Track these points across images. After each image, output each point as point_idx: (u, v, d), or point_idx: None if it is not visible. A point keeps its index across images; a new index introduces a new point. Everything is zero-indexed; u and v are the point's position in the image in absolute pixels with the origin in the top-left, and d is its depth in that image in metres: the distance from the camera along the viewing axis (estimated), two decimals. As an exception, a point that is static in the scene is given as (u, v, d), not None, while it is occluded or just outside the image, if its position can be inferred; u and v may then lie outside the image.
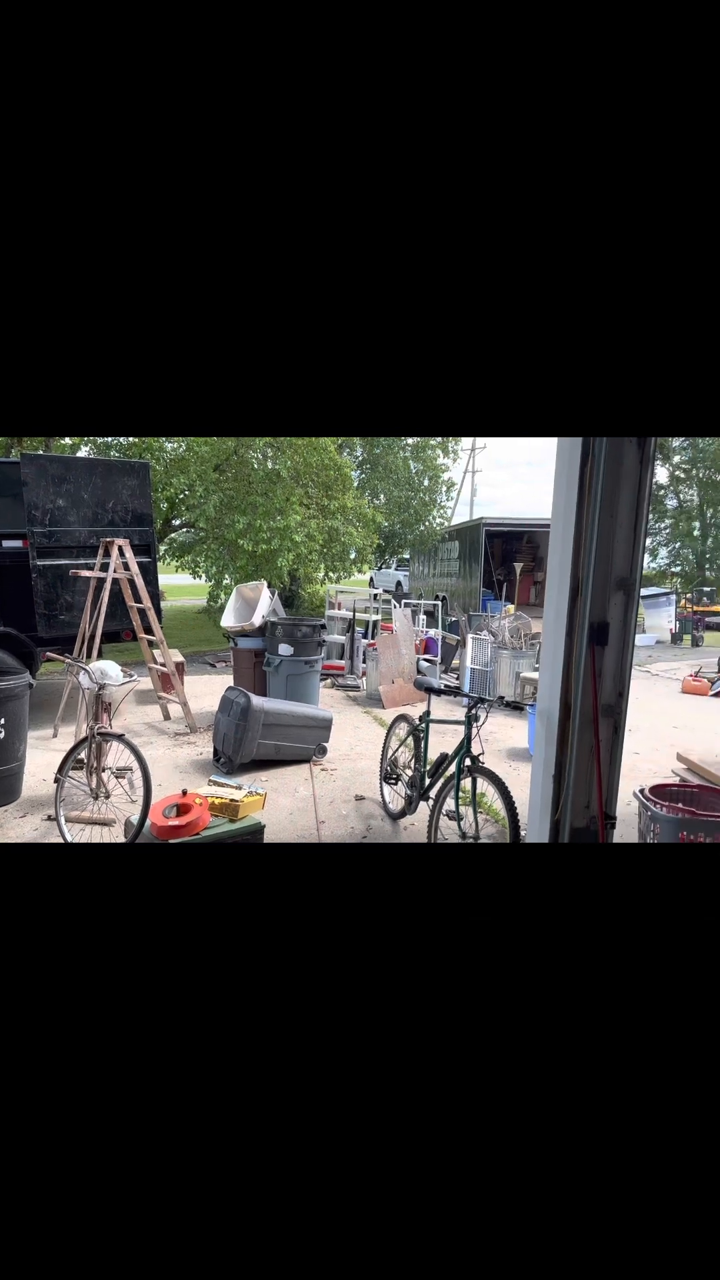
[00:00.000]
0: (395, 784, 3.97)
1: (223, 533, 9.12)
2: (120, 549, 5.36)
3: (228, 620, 6.31)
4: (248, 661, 5.98)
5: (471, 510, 25.67)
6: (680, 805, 3.01)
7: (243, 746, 4.49)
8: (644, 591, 13.42)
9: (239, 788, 3.79)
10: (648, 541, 20.29)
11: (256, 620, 5.95)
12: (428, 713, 3.69)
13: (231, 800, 3.54)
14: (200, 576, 9.97)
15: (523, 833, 3.00)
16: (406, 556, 19.60)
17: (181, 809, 3.31)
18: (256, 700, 4.56)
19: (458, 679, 7.52)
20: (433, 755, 3.57)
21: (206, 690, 6.95)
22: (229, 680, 6.44)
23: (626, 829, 3.38)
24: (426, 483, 15.12)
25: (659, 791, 3.12)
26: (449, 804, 3.23)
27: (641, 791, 3.05)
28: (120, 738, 3.47)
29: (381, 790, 4.09)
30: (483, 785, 3.16)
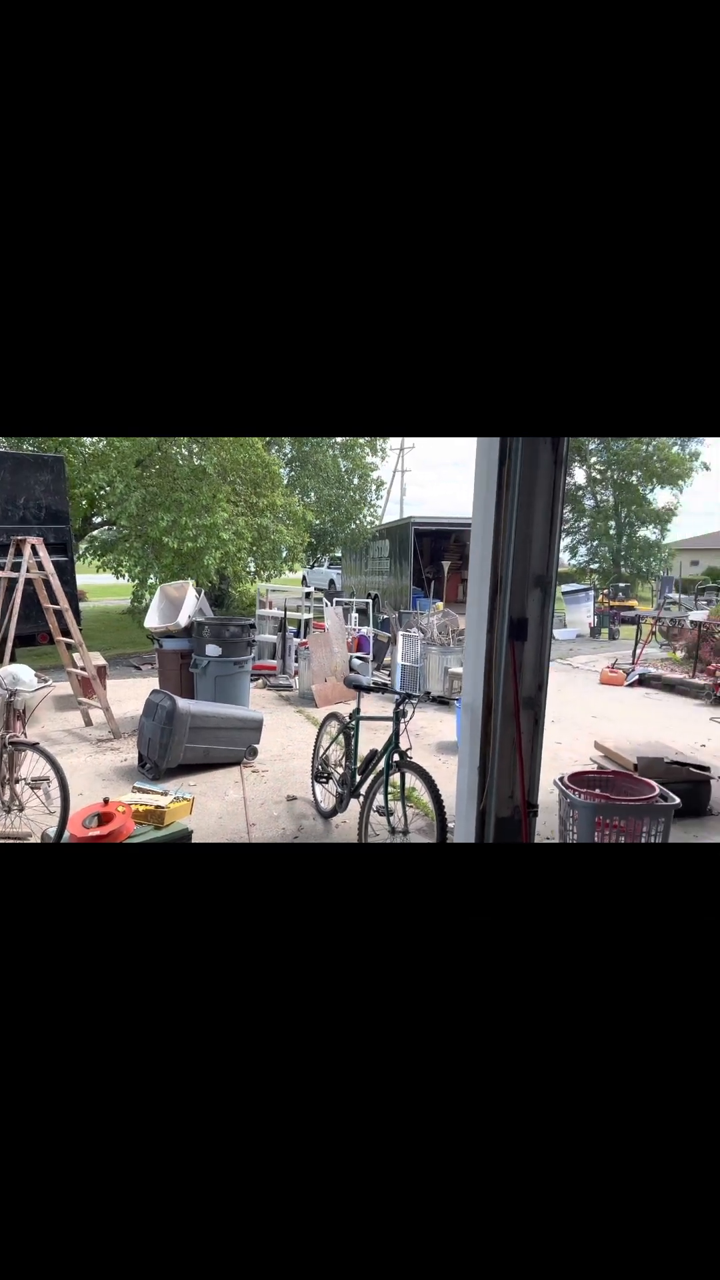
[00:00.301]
0: (327, 782, 3.97)
1: (146, 530, 8.82)
2: (33, 548, 5.08)
3: (152, 621, 6.11)
4: (174, 663, 5.81)
5: (401, 509, 26.04)
6: (597, 791, 3.15)
7: (169, 751, 4.36)
8: (564, 588, 14.06)
9: (165, 793, 3.67)
10: (568, 540, 21.25)
11: (182, 620, 5.79)
12: (358, 710, 3.71)
13: (157, 807, 3.42)
14: (123, 576, 9.60)
15: (450, 825, 3.06)
16: (339, 555, 19.63)
17: (103, 818, 3.17)
18: (182, 703, 4.44)
19: (389, 675, 7.60)
20: (363, 752, 3.58)
21: (131, 694, 6.70)
22: (155, 683, 6.23)
23: (549, 816, 3.52)
24: (356, 481, 15.18)
25: (577, 779, 3.26)
26: (379, 800, 3.26)
27: (561, 780, 3.18)
28: (35, 746, 3.29)
29: (313, 789, 4.07)
30: (412, 779, 3.21)
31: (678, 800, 2.99)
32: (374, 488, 15.85)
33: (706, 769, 4.20)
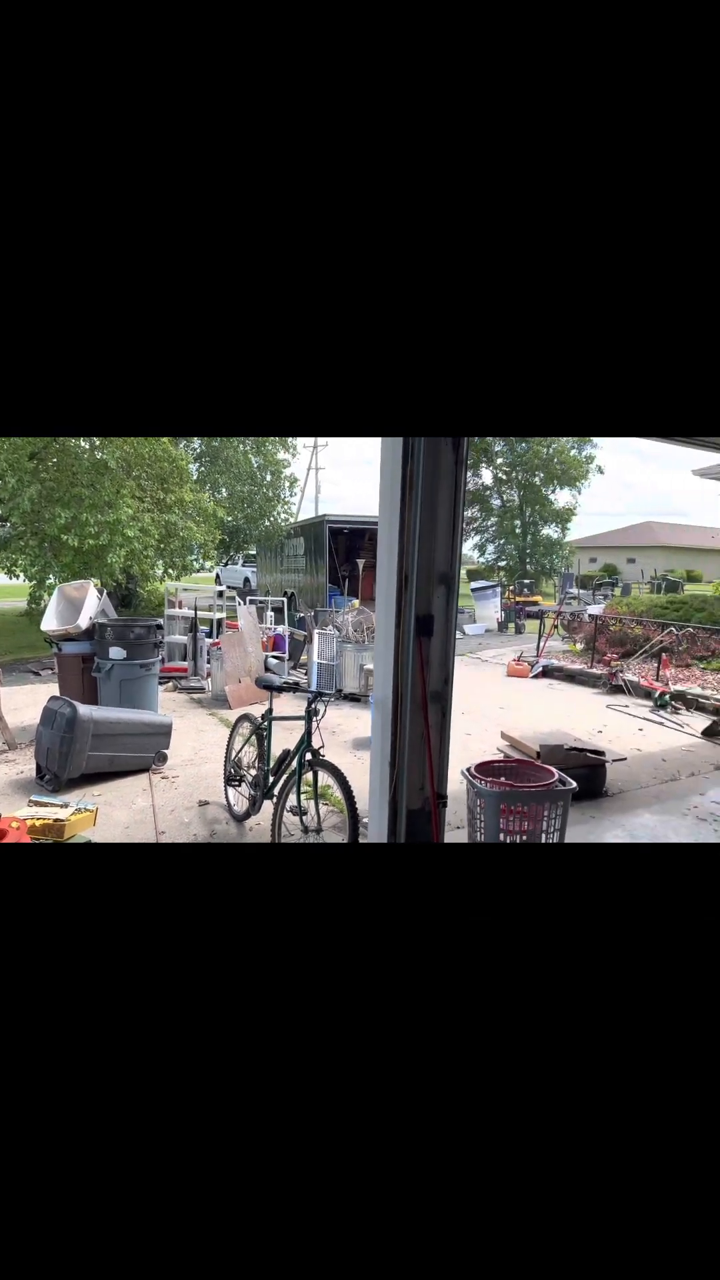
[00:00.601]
0: (240, 785, 3.90)
1: (43, 528, 8.28)
2: None
3: (49, 623, 5.75)
4: (75, 668, 5.50)
5: (316, 507, 26.02)
6: (502, 779, 3.28)
7: (70, 761, 4.12)
8: (473, 585, 14.57)
9: (65, 805, 3.47)
10: (477, 538, 22.01)
11: (83, 622, 5.49)
12: (270, 710, 3.66)
13: (55, 820, 3.23)
14: (17, 576, 8.97)
15: (363, 820, 3.09)
16: (254, 553, 19.33)
17: (-6, 837, 2.95)
18: (84, 709, 4.21)
19: (306, 674, 7.57)
20: (276, 752, 3.55)
21: (30, 701, 6.28)
22: (55, 689, 5.87)
23: (458, 805, 3.62)
24: (269, 478, 14.99)
25: (484, 768, 3.37)
26: (292, 799, 3.23)
27: (468, 770, 3.28)
28: None
29: (226, 793, 3.98)
30: (325, 777, 3.21)
31: (575, 785, 3.17)
32: (287, 485, 15.72)
33: (601, 753, 4.49)
